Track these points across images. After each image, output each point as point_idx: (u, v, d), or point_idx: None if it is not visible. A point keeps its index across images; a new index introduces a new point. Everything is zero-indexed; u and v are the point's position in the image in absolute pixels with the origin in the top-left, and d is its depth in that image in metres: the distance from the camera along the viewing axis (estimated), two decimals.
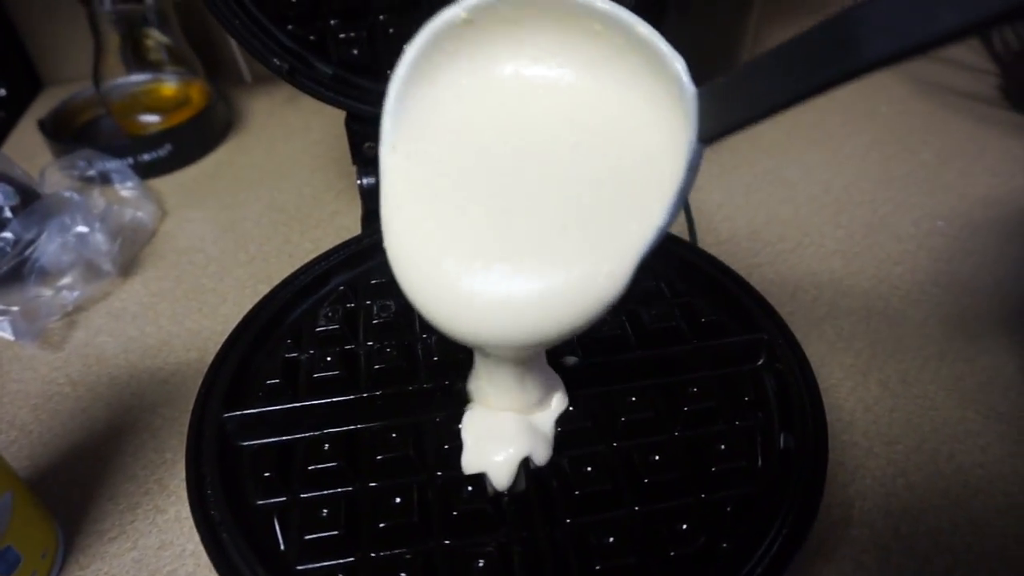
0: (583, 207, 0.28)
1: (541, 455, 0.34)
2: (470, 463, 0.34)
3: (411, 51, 0.29)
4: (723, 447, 0.34)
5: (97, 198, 0.58)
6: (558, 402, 0.36)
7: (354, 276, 0.45)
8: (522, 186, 0.29)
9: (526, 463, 0.34)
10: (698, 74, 0.25)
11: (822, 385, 0.37)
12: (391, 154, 0.29)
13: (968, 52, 0.76)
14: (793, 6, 0.75)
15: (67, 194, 0.56)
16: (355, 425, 0.37)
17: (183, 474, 0.34)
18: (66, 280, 0.53)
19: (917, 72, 0.76)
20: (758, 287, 0.42)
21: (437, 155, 0.29)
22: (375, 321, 0.41)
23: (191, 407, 0.37)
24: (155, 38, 0.70)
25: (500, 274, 0.27)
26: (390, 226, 0.29)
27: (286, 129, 0.75)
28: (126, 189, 0.62)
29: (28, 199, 0.56)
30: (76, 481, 0.41)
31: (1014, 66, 0.70)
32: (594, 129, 0.28)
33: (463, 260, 0.28)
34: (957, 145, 0.65)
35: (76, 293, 0.53)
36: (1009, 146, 0.64)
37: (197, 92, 0.74)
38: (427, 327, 0.41)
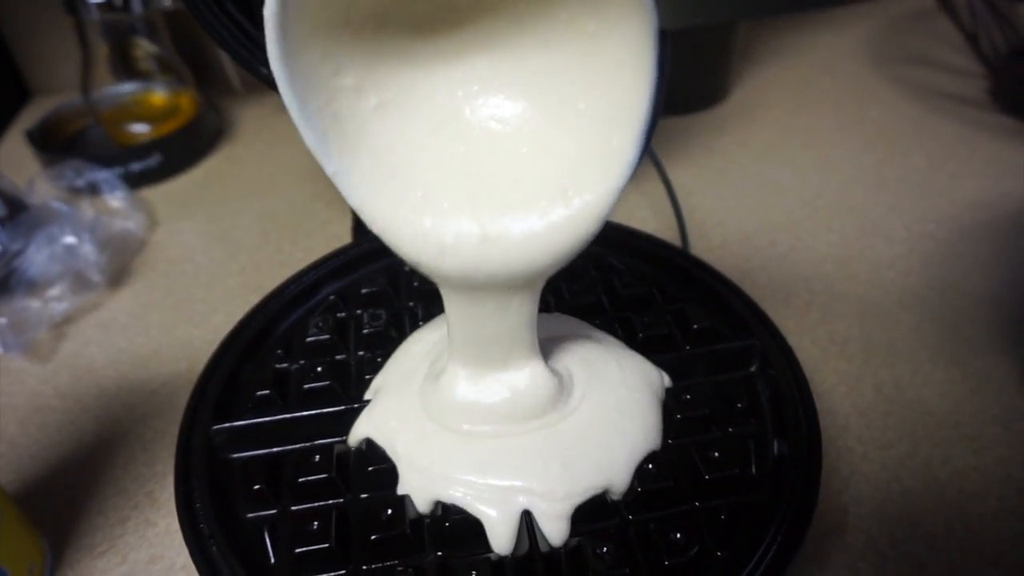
0: (566, 131, 0.28)
1: (555, 531, 0.31)
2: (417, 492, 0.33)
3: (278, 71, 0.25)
4: (716, 455, 0.34)
5: (86, 209, 0.58)
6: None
7: (345, 285, 0.45)
8: (503, 136, 0.28)
9: (528, 520, 0.32)
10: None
11: (816, 390, 0.37)
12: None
13: (956, 55, 0.76)
14: None
15: (55, 205, 0.56)
16: (346, 436, 0.36)
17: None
18: (54, 291, 0.53)
19: (906, 75, 0.76)
20: (750, 292, 0.42)
21: (422, 157, 0.28)
22: (366, 331, 0.41)
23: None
24: (144, 47, 0.70)
25: (526, 210, 0.27)
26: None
27: (276, 138, 0.74)
28: (115, 199, 0.61)
29: (15, 210, 0.55)
30: (65, 495, 0.41)
31: (1002, 69, 0.70)
32: (547, 56, 0.27)
33: (486, 217, 0.28)
34: (947, 148, 0.65)
35: (64, 304, 0.52)
36: (998, 149, 0.64)
37: (187, 101, 0.73)
38: None
